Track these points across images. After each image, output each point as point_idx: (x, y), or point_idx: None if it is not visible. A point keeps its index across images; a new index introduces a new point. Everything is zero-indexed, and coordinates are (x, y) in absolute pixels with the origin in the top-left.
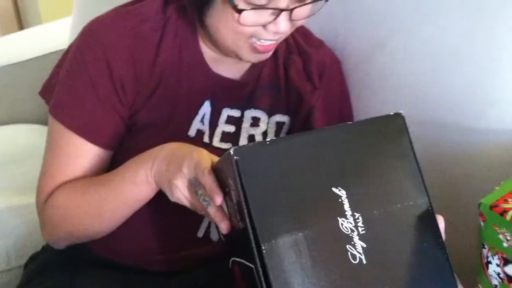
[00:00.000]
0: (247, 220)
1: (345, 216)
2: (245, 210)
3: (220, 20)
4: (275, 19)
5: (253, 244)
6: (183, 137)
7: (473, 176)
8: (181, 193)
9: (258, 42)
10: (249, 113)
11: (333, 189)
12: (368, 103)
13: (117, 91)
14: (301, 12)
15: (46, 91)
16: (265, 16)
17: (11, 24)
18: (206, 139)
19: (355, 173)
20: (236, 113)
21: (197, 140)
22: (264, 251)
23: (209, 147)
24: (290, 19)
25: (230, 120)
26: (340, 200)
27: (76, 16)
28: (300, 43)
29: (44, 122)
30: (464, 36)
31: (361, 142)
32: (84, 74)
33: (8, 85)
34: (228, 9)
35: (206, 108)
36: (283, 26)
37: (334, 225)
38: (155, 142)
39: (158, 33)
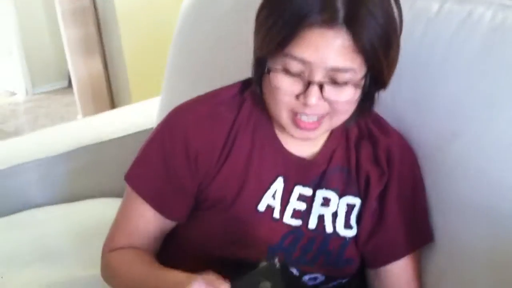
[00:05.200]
0: None
1: None
2: None
3: (266, 88)
4: (305, 90)
5: None
6: (252, 212)
7: None
8: None
9: (298, 117)
10: (321, 193)
11: None
12: (444, 193)
13: (190, 169)
14: (335, 93)
15: None
16: (298, 86)
17: (104, 103)
18: (276, 214)
19: None
20: (307, 191)
21: (267, 215)
22: None
23: (278, 222)
24: (323, 96)
25: (301, 197)
26: None
27: (164, 98)
28: (371, 129)
29: None
30: None
31: None
32: (161, 152)
33: (98, 162)
34: (270, 75)
35: (278, 184)
36: (311, 100)
37: None
38: (227, 215)
39: (233, 113)
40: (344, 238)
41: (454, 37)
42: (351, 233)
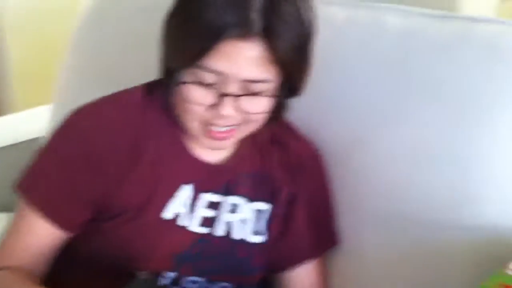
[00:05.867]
0: None
1: None
2: None
3: (176, 98)
4: (219, 102)
5: None
6: (157, 220)
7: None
8: None
9: (210, 128)
10: (229, 199)
11: None
12: (349, 198)
13: (91, 177)
14: (250, 104)
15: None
16: (212, 97)
17: None
18: (182, 222)
19: None
20: (216, 198)
21: (172, 223)
22: None
23: (185, 230)
24: (237, 108)
25: (210, 205)
26: None
27: (58, 103)
28: (282, 135)
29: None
30: (444, 134)
31: None
32: (57, 159)
33: None
34: (181, 86)
35: (185, 192)
36: (226, 111)
37: None
38: (130, 225)
39: (137, 118)
40: (252, 244)
41: (362, 44)
42: (259, 239)
